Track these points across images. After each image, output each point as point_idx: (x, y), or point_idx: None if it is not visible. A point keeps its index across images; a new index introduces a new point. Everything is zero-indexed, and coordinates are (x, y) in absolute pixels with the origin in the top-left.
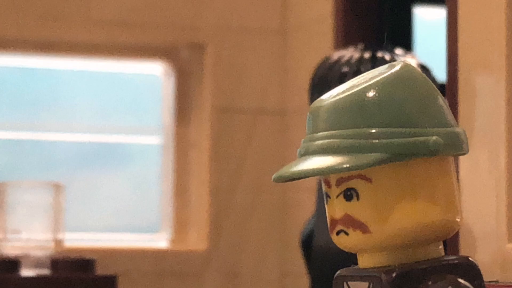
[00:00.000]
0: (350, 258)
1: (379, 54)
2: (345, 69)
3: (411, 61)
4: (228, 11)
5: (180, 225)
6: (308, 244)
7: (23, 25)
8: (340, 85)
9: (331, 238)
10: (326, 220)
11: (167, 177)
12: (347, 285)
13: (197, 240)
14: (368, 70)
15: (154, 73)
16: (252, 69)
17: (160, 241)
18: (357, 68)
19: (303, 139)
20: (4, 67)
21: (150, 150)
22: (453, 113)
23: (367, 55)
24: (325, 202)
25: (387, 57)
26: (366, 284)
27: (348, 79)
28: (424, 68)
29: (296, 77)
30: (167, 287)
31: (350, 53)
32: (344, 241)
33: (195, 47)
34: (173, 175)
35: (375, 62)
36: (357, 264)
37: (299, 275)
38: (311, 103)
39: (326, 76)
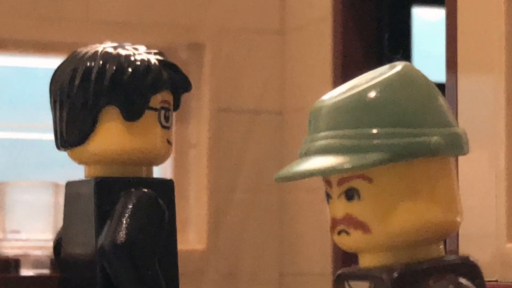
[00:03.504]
0: (88, 268)
1: (112, 50)
2: (88, 63)
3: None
4: (227, 11)
5: (179, 224)
6: (58, 249)
7: (23, 25)
8: (82, 77)
9: (73, 248)
10: (71, 231)
11: (166, 177)
12: (348, 284)
13: (196, 240)
14: (103, 65)
15: None
16: (251, 69)
17: None
18: (104, 62)
19: (304, 139)
20: (4, 67)
21: None
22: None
23: (111, 50)
24: (326, 202)
25: (129, 52)
26: (367, 283)
27: (93, 74)
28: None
29: (294, 77)
30: None
31: (96, 48)
32: (345, 241)
33: (194, 48)
34: (172, 174)
35: (107, 58)
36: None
37: (297, 275)
38: (51, 98)
39: (64, 69)
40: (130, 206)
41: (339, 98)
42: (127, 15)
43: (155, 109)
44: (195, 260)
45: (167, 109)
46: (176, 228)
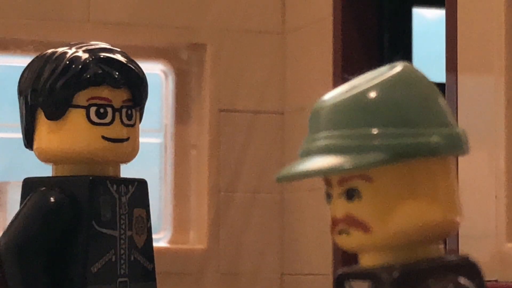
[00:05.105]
0: None
1: (52, 51)
2: (31, 65)
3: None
4: (228, 12)
5: (180, 224)
6: None
7: (24, 25)
8: (51, 78)
9: None
10: None
11: (167, 177)
12: (349, 284)
13: (196, 239)
14: (60, 67)
15: (154, 73)
16: (252, 70)
17: (160, 240)
18: (30, 65)
19: (304, 139)
20: (5, 67)
21: (150, 150)
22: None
23: (52, 51)
24: (326, 202)
25: (67, 52)
26: (367, 283)
27: (23, 77)
28: None
29: (295, 77)
30: (166, 286)
31: (65, 50)
32: (346, 241)
33: (195, 48)
34: (173, 175)
35: (44, 60)
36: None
37: (298, 275)
38: (28, 95)
39: (39, 69)
40: (20, 208)
41: (339, 98)
42: (128, 15)
43: (82, 107)
44: (195, 260)
45: (100, 106)
46: (93, 225)
